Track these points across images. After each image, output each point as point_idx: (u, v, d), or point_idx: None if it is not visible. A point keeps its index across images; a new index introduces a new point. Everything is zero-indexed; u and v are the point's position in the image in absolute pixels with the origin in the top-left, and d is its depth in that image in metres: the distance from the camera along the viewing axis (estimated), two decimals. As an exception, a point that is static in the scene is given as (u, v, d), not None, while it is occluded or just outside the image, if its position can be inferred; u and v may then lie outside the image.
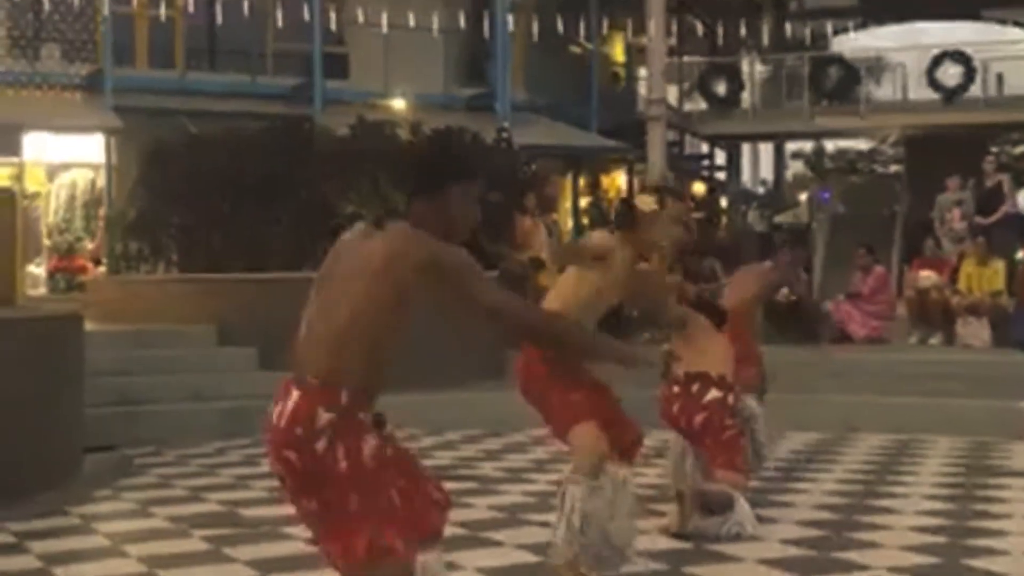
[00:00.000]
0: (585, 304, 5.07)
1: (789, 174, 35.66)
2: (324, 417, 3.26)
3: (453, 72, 20.95)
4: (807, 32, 30.61)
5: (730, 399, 6.40)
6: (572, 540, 4.83)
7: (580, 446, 4.97)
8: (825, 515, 6.63)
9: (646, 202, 5.27)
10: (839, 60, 25.77)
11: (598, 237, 5.45)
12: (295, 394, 3.30)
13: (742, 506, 6.10)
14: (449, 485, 7.18)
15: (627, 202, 5.41)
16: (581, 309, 5.03)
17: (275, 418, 3.31)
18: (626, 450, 5.14)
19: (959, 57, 23.22)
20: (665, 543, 5.88)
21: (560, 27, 22.57)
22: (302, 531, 6.08)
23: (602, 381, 5.19)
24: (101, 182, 17.92)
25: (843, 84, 24.49)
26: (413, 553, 3.36)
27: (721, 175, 28.53)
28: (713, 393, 6.33)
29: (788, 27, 30.22)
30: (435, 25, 20.13)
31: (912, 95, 25.05)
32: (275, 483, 7.57)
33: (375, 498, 3.28)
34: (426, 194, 3.46)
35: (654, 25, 18.35)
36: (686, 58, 27.24)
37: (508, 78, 20.43)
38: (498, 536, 6.12)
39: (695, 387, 6.35)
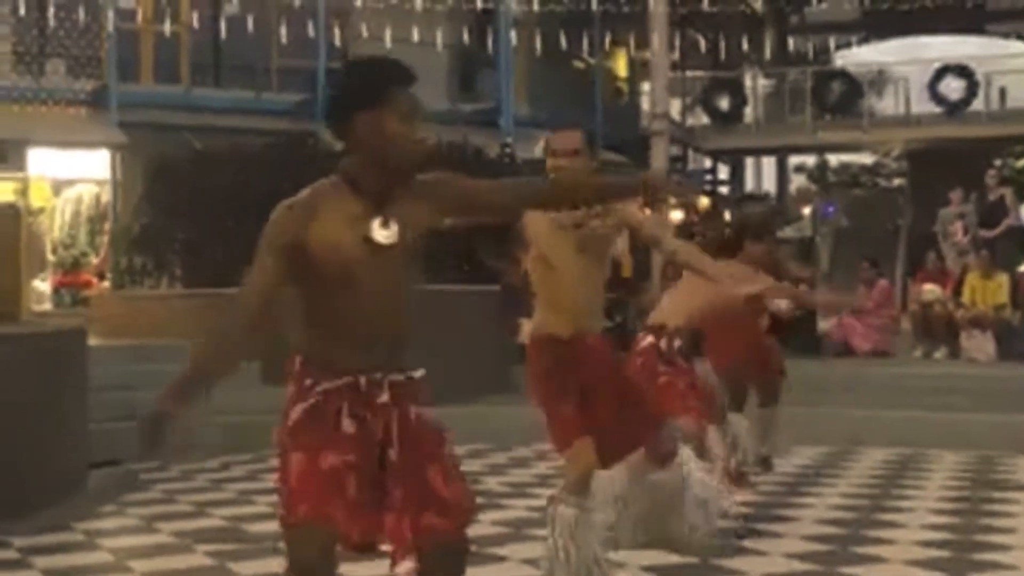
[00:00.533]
0: (543, 280, 5.06)
1: (792, 188, 35.68)
2: (289, 387, 3.31)
3: (457, 87, 20.99)
4: (810, 46, 30.69)
5: (663, 344, 6.33)
6: (559, 562, 4.83)
7: (569, 466, 4.95)
8: (830, 529, 6.62)
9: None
10: (842, 74, 25.81)
11: None
12: None
13: (686, 456, 5.89)
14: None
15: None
16: (549, 287, 5.04)
17: None
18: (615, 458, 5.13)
19: (962, 71, 23.25)
20: (669, 558, 5.87)
21: (563, 42, 22.62)
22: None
23: (615, 389, 5.14)
24: (106, 197, 17.96)
25: (846, 98, 24.51)
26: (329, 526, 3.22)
27: (724, 190, 28.55)
28: (648, 339, 6.34)
29: (791, 41, 30.29)
30: (439, 40, 20.18)
31: (915, 109, 25.09)
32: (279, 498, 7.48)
33: (286, 466, 3.24)
34: (340, 134, 3.33)
35: (657, 40, 18.39)
36: (689, 73, 27.29)
37: (511, 93, 20.48)
38: (503, 551, 6.11)
39: (639, 335, 6.45)
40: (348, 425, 3.25)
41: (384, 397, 3.29)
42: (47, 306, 16.95)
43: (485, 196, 3.51)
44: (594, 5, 21.62)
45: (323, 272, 3.20)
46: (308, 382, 3.25)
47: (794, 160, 34.38)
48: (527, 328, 5.45)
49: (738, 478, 8.05)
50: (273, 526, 6.65)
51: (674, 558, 5.87)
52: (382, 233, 3.24)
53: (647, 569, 5.57)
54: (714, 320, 7.70)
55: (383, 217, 3.25)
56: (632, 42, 25.31)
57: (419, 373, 3.39)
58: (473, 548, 6.09)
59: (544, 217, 4.92)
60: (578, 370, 4.98)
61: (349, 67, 3.43)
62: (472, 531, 6.49)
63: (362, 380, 3.26)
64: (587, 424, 4.90)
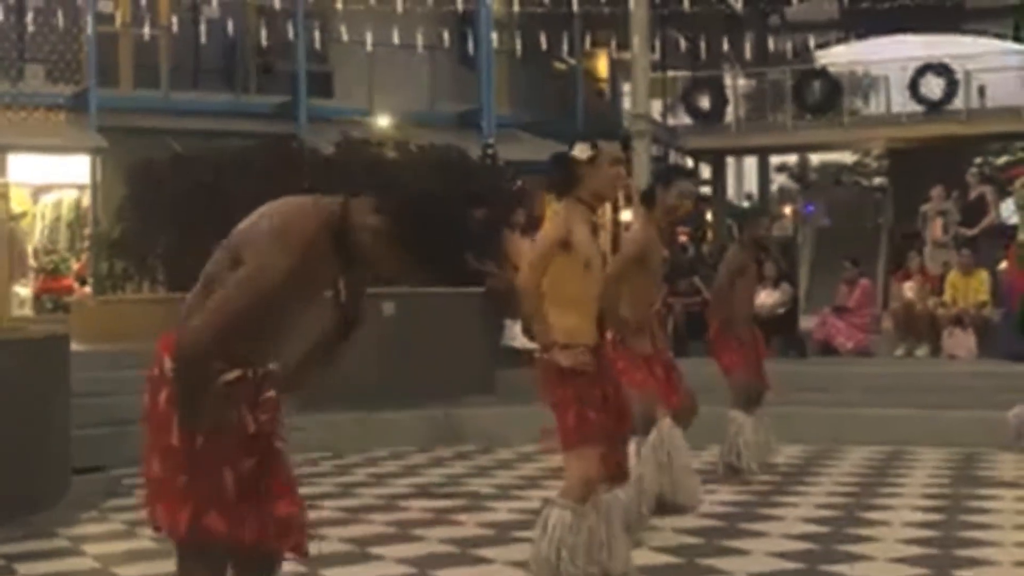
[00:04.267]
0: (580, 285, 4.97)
1: (774, 187, 35.76)
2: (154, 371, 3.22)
3: (439, 89, 20.98)
4: (790, 46, 30.77)
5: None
6: (548, 564, 4.82)
7: (573, 471, 4.93)
8: (814, 528, 6.65)
9: (583, 150, 5.05)
10: (822, 73, 25.89)
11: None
12: None
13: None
14: (439, 503, 7.17)
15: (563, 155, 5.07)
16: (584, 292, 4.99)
17: None
18: (612, 474, 5.13)
19: (941, 69, 23.36)
20: (656, 558, 5.88)
21: (544, 43, 22.63)
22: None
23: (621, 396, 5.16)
24: (86, 202, 17.89)
25: (826, 97, 24.60)
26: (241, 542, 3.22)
27: (706, 189, 28.61)
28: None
29: (771, 41, 30.34)
30: (419, 43, 20.16)
31: (895, 108, 25.19)
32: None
33: (206, 474, 3.17)
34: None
35: (637, 40, 18.41)
36: (670, 73, 27.34)
37: (492, 95, 20.49)
38: (487, 553, 6.11)
39: None
40: (249, 421, 3.24)
41: (271, 392, 3.29)
42: (28, 312, 16.89)
43: (353, 292, 3.50)
44: (575, 6, 21.64)
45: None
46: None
47: (775, 159, 34.49)
48: (518, 330, 5.44)
49: (729, 472, 8.13)
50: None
51: (661, 558, 5.89)
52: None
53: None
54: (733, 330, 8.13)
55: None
56: (613, 42, 25.33)
57: (273, 365, 3.37)
58: (457, 550, 6.14)
59: (583, 217, 4.96)
60: (602, 378, 5.01)
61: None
62: (457, 533, 6.52)
63: (250, 373, 3.25)
64: (599, 434, 4.90)
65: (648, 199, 6.67)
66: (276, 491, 3.29)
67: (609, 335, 6.22)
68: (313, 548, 3.43)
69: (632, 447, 6.21)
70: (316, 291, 3.32)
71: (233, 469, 3.20)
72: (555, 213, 5.07)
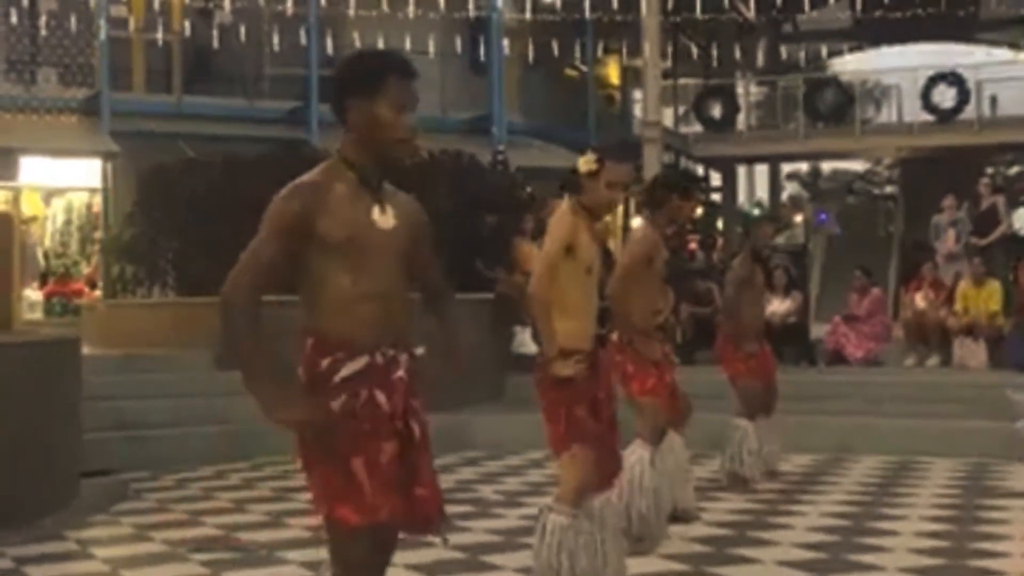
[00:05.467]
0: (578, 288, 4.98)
1: (785, 195, 35.72)
2: (299, 370, 3.34)
3: (450, 96, 21.00)
4: (802, 54, 30.77)
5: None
6: (551, 570, 4.82)
7: (567, 474, 4.92)
8: (824, 537, 6.62)
9: (586, 162, 5.10)
10: (834, 82, 25.88)
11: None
12: None
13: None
14: (447, 508, 7.14)
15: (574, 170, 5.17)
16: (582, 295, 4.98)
17: None
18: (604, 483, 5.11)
19: (953, 79, 23.33)
20: (664, 566, 5.87)
21: (555, 50, 22.66)
22: (299, 555, 6.08)
23: (608, 400, 5.12)
24: (98, 206, 17.94)
25: (838, 106, 24.59)
26: (374, 532, 3.32)
27: (717, 197, 28.60)
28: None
29: (783, 49, 30.33)
30: (431, 49, 20.18)
31: (907, 117, 25.16)
32: (273, 507, 7.52)
33: (336, 464, 3.26)
34: (337, 116, 3.47)
35: (649, 48, 18.43)
36: (681, 80, 27.35)
37: (503, 101, 20.50)
38: (496, 560, 6.10)
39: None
40: (384, 402, 3.32)
41: (400, 373, 3.38)
42: (38, 315, 16.94)
43: (420, 267, 3.61)
44: (587, 13, 21.66)
45: (333, 253, 3.29)
46: (325, 362, 3.30)
47: (786, 168, 34.48)
48: (528, 337, 5.42)
49: (733, 481, 8.11)
50: (266, 535, 6.67)
51: (669, 565, 5.87)
52: (381, 218, 3.37)
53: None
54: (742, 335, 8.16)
55: (380, 203, 3.39)
56: (624, 50, 25.36)
57: (420, 351, 3.50)
58: (466, 556, 6.13)
59: (584, 223, 4.98)
60: (595, 384, 4.99)
61: (352, 55, 3.60)
62: (465, 539, 6.52)
63: (378, 357, 3.34)
64: (589, 436, 4.88)
65: (649, 202, 6.63)
66: (418, 473, 3.41)
67: (615, 337, 6.25)
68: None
69: (647, 457, 6.20)
70: (377, 244, 3.34)
71: (366, 457, 3.26)
72: (557, 217, 5.09)
